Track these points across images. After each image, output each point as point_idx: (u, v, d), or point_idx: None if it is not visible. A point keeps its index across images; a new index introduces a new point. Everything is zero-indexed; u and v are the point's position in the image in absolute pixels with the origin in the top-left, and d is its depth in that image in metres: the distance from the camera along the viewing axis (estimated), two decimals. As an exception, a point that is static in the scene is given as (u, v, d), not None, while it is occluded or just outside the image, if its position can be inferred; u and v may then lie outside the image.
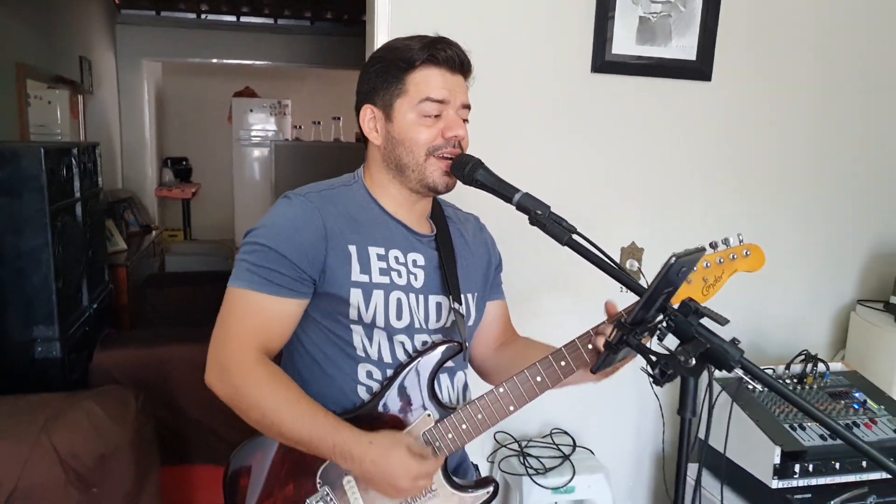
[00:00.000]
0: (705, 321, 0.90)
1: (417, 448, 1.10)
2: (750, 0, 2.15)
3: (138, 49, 6.05)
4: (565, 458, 2.10)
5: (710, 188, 2.26)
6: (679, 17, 2.07)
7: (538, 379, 1.13)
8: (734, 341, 0.87)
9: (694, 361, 0.87)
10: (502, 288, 1.39)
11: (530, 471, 2.02)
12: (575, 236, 1.03)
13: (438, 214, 1.27)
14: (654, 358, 0.83)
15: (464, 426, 1.13)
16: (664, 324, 0.88)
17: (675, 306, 0.90)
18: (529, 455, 2.10)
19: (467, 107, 1.17)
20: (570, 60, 2.08)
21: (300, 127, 7.16)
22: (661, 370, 0.81)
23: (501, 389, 1.13)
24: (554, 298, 2.12)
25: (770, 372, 1.98)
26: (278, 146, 5.71)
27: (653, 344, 0.94)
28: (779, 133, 2.28)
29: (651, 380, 0.83)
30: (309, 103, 7.64)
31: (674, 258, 0.81)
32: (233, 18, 6.18)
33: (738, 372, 0.87)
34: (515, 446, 2.15)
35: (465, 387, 1.26)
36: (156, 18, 6.02)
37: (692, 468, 2.08)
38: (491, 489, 1.18)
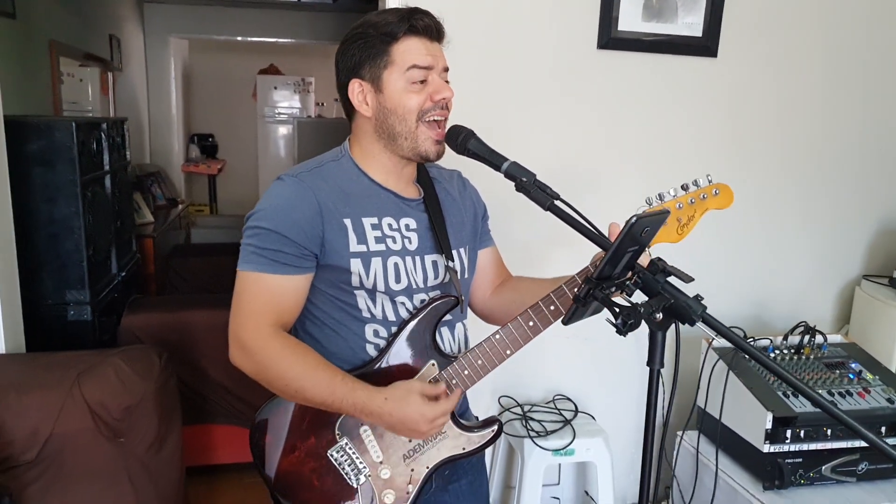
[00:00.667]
0: (673, 279, 0.96)
1: (430, 391, 1.18)
2: (757, -24, 2.17)
3: (166, 26, 6.17)
4: (566, 422, 2.18)
5: (716, 163, 2.30)
6: (686, -7, 2.10)
7: (531, 324, 1.20)
8: (697, 297, 0.93)
9: (661, 316, 0.94)
10: (491, 235, 1.46)
11: (532, 433, 2.10)
12: (557, 202, 1.09)
13: (424, 177, 1.34)
14: (617, 310, 0.90)
15: (466, 372, 1.22)
16: (633, 280, 0.95)
17: (646, 262, 0.97)
18: (532, 419, 2.19)
19: (447, 69, 1.24)
20: (577, 37, 2.12)
21: (323, 104, 7.24)
22: (624, 320, 0.88)
23: (498, 336, 1.21)
24: (550, 251, 2.18)
25: (767, 342, 2.03)
26: (301, 123, 5.81)
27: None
28: (784, 109, 2.30)
29: (615, 329, 0.90)
30: (332, 81, 7.66)
31: (635, 218, 0.87)
32: (258, -4, 6.26)
33: (700, 326, 0.93)
34: (519, 410, 2.24)
35: (465, 337, 1.34)
36: (183, -4, 6.14)
37: (691, 435, 2.16)
38: (495, 427, 1.27)
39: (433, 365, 1.23)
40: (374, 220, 1.23)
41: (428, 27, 1.20)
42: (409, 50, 1.19)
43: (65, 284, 2.55)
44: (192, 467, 2.55)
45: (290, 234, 1.17)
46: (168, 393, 2.08)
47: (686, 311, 0.92)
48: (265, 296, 1.18)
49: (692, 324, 0.92)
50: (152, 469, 1.98)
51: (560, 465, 2.46)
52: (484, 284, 1.43)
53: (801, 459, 1.80)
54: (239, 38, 6.66)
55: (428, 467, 1.24)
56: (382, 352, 1.23)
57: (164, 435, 2.03)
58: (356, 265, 1.20)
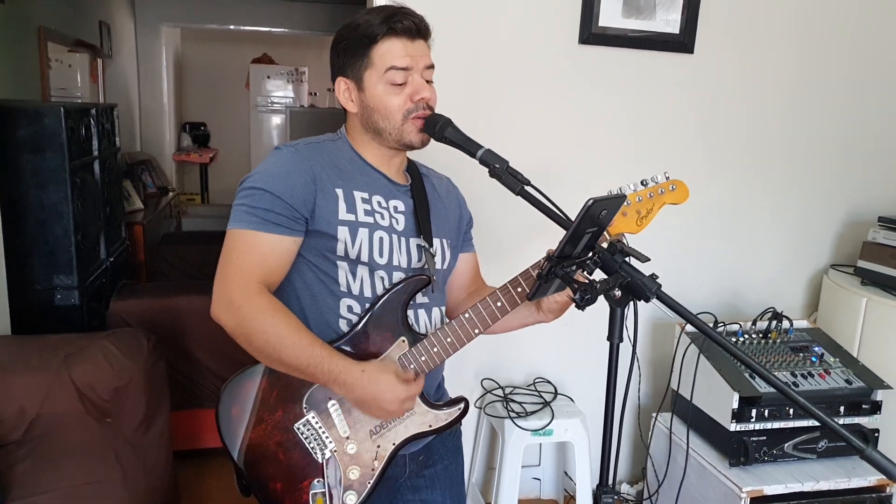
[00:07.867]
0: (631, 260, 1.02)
1: (403, 374, 1.23)
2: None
3: (157, 15, 6.15)
4: (546, 404, 2.25)
5: (691, 156, 2.36)
6: (663, -10, 2.16)
7: (498, 304, 1.26)
8: (653, 276, 0.99)
9: (619, 293, 1.00)
10: (473, 243, 1.53)
11: (512, 414, 2.17)
12: (528, 188, 1.15)
13: (413, 169, 1.40)
14: (576, 286, 0.96)
15: (435, 349, 1.26)
16: (593, 260, 1.01)
17: (606, 245, 1.03)
18: (513, 401, 2.26)
19: (430, 67, 1.29)
20: (559, 32, 2.18)
21: (315, 94, 7.25)
22: (581, 295, 0.94)
23: (467, 315, 1.26)
24: (531, 248, 2.25)
25: (737, 327, 2.10)
26: (294, 112, 5.83)
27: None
28: (757, 104, 2.37)
29: (574, 304, 0.96)
30: (325, 71, 7.65)
31: (591, 201, 0.93)
32: (250, -15, 6.26)
33: (655, 302, 0.99)
34: (501, 392, 2.31)
35: (443, 321, 1.38)
36: (174, -16, 6.13)
37: (665, 417, 2.23)
38: (462, 406, 1.31)
39: (403, 341, 1.26)
40: (365, 195, 1.27)
41: (408, 28, 1.24)
42: (388, 52, 1.23)
43: (53, 269, 2.57)
44: (180, 451, 2.58)
45: (283, 196, 1.20)
46: (156, 375, 2.13)
47: (641, 288, 0.98)
48: (255, 253, 1.20)
49: (647, 300, 0.98)
50: (140, 449, 2.03)
51: (541, 445, 2.53)
52: (461, 286, 1.49)
53: (765, 437, 1.88)
54: (231, 28, 6.65)
55: (394, 444, 1.26)
56: (354, 326, 1.26)
57: (152, 416, 2.08)
58: (343, 233, 1.23)
